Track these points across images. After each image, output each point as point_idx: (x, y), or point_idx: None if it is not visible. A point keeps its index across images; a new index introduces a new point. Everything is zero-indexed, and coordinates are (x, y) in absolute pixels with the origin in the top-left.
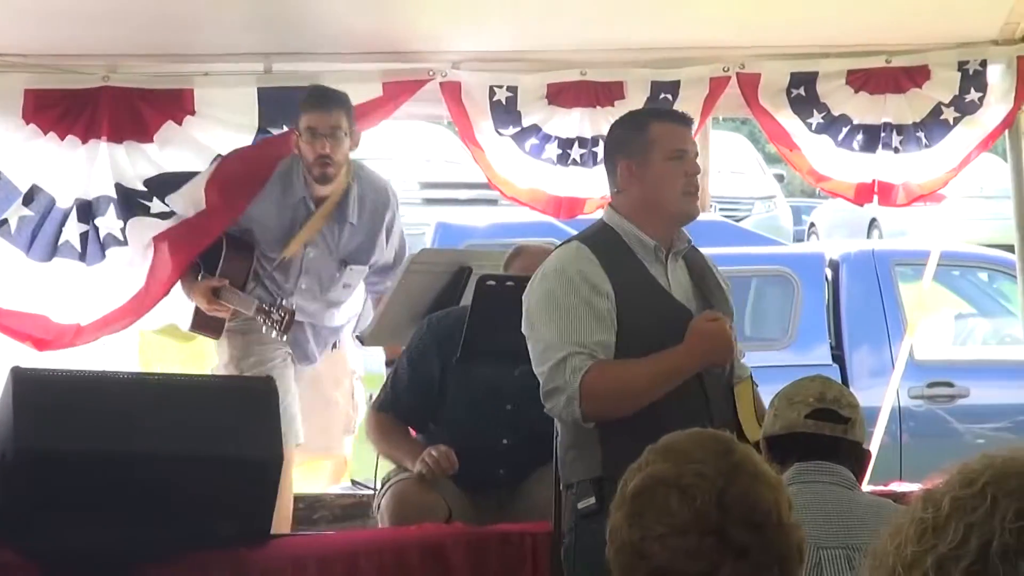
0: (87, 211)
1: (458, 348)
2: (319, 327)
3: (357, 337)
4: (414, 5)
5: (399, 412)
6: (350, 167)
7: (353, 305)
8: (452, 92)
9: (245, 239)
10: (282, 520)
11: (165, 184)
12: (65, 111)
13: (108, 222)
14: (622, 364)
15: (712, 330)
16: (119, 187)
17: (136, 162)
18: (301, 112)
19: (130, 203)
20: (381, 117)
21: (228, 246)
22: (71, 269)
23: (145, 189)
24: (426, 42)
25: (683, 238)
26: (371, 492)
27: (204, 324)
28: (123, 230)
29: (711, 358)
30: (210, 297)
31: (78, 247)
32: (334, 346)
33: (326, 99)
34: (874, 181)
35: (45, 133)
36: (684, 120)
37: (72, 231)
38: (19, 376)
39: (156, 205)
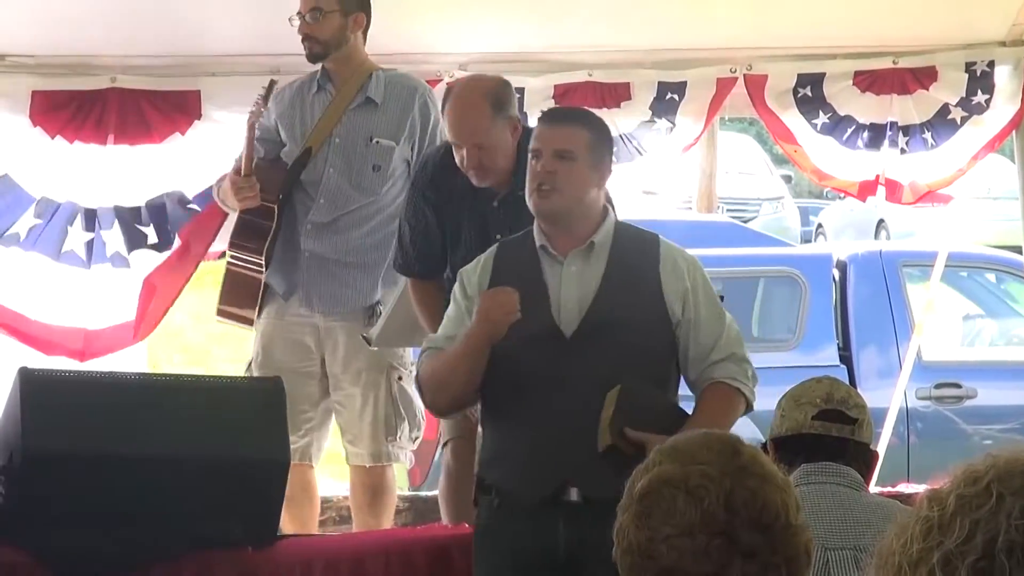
0: (92, 220)
1: (440, 189)
2: (322, 263)
3: (364, 338)
4: (421, 7)
5: (420, 269)
6: (367, 63)
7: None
8: None
9: (277, 160)
10: (309, 521)
11: (162, 211)
12: (73, 113)
13: (114, 240)
14: (437, 353)
15: (483, 302)
16: (119, 210)
17: (141, 174)
18: None
19: (132, 232)
20: None
21: (258, 164)
22: (75, 276)
23: (146, 212)
24: (433, 44)
25: (584, 236)
26: None
27: (231, 311)
28: (127, 257)
29: (487, 328)
30: (235, 179)
31: (83, 255)
32: (373, 318)
33: None
34: (878, 176)
35: (52, 137)
36: (556, 119)
37: (77, 239)
38: (27, 377)
39: (152, 234)
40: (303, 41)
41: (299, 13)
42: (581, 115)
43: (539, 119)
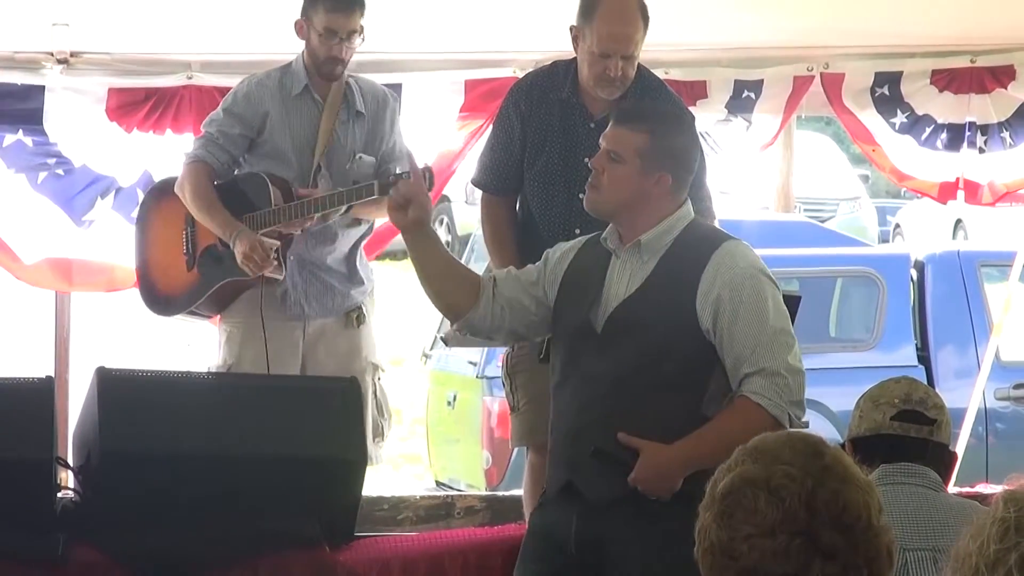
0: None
1: (533, 100)
2: (313, 270)
3: (442, 338)
4: (499, 8)
5: (492, 182)
6: None
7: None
8: None
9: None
10: None
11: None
12: (149, 110)
13: None
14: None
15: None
16: None
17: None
18: (320, 7)
19: None
20: (487, 120)
21: (272, 183)
22: None
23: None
24: (511, 44)
25: (639, 234)
26: (457, 493)
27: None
28: None
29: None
30: (260, 245)
31: None
32: (357, 320)
33: (349, 2)
34: (958, 179)
35: (129, 132)
36: (618, 119)
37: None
38: (104, 376)
39: None
40: (328, 59)
41: (329, 30)
42: (646, 117)
43: (612, 117)
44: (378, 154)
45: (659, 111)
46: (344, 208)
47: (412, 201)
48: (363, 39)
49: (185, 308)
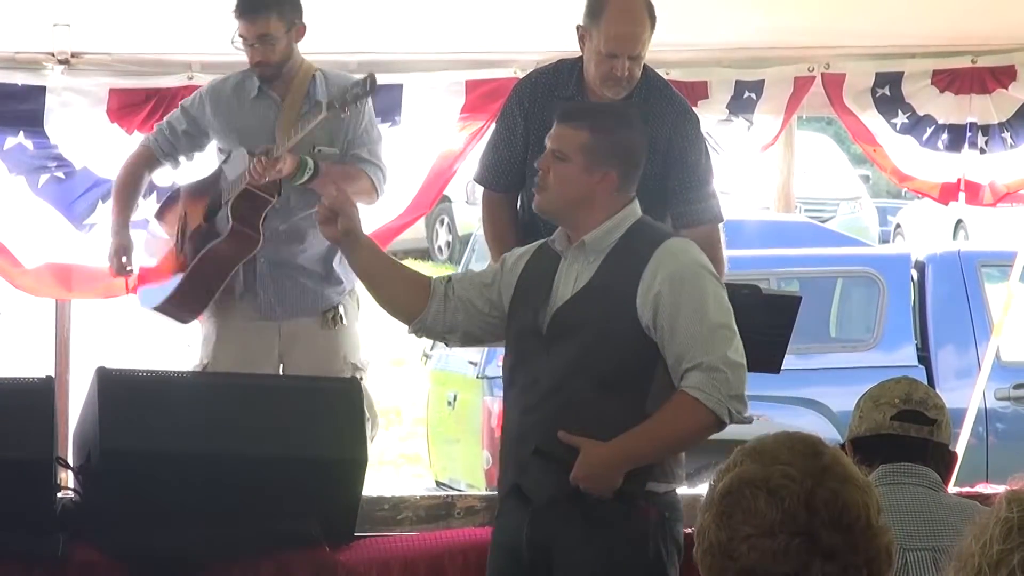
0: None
1: (537, 97)
2: (284, 270)
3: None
4: (500, 8)
5: (494, 179)
6: (305, 64)
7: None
8: None
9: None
10: None
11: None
12: (150, 111)
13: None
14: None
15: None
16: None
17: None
18: (234, 15)
19: None
20: (488, 121)
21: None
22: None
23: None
24: (512, 44)
25: (579, 235)
26: (457, 493)
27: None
28: None
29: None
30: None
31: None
32: (334, 320)
33: (251, 6)
34: (959, 180)
35: (130, 133)
36: (562, 118)
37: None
38: (104, 376)
39: None
40: (254, 67)
41: (241, 36)
42: (590, 115)
43: (560, 117)
44: (343, 143)
45: (602, 108)
46: (309, 172)
47: (339, 212)
48: (279, 40)
49: (173, 294)
